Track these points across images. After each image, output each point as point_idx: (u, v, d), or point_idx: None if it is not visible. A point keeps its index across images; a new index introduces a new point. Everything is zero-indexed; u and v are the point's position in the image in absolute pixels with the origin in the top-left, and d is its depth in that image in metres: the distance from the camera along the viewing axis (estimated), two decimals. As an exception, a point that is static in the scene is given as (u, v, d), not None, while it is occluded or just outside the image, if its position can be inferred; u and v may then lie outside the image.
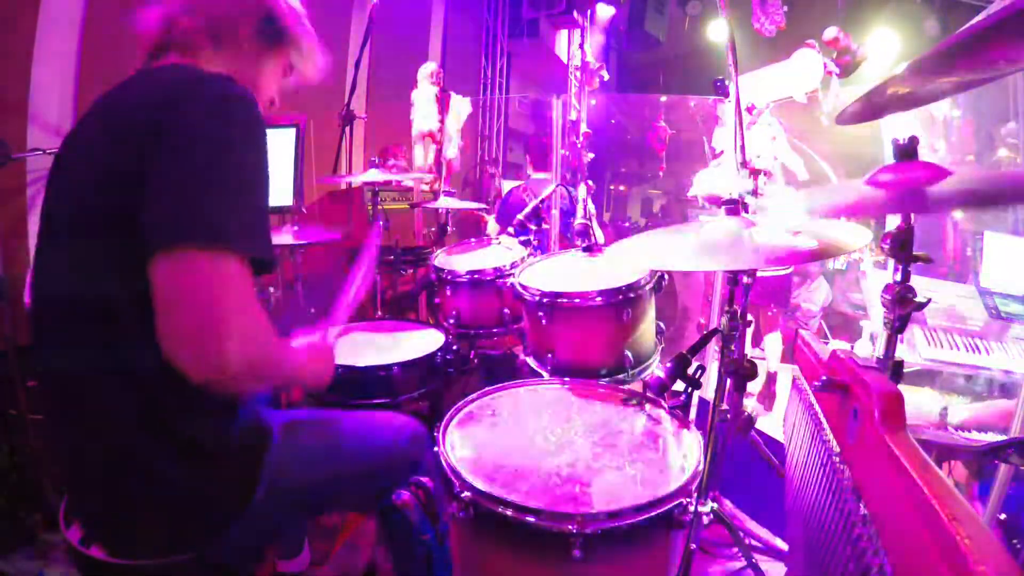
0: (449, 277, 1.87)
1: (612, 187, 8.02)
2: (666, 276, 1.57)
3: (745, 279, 1.28)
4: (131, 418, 0.81)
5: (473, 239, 2.29)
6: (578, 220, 1.80)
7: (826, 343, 0.90)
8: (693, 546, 1.09)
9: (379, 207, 2.32)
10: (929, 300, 0.94)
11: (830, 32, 2.38)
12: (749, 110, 2.29)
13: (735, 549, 1.54)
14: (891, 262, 0.94)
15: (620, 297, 1.44)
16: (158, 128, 0.75)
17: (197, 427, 0.84)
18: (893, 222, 0.93)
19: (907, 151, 0.91)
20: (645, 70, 6.38)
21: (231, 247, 0.73)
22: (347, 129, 2.57)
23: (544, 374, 1.52)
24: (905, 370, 0.99)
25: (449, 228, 2.60)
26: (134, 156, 0.74)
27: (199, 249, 0.71)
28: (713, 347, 1.93)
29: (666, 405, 1.22)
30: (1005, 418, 1.49)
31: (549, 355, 1.51)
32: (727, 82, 2.25)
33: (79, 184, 0.82)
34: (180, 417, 0.83)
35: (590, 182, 2.04)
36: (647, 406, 1.25)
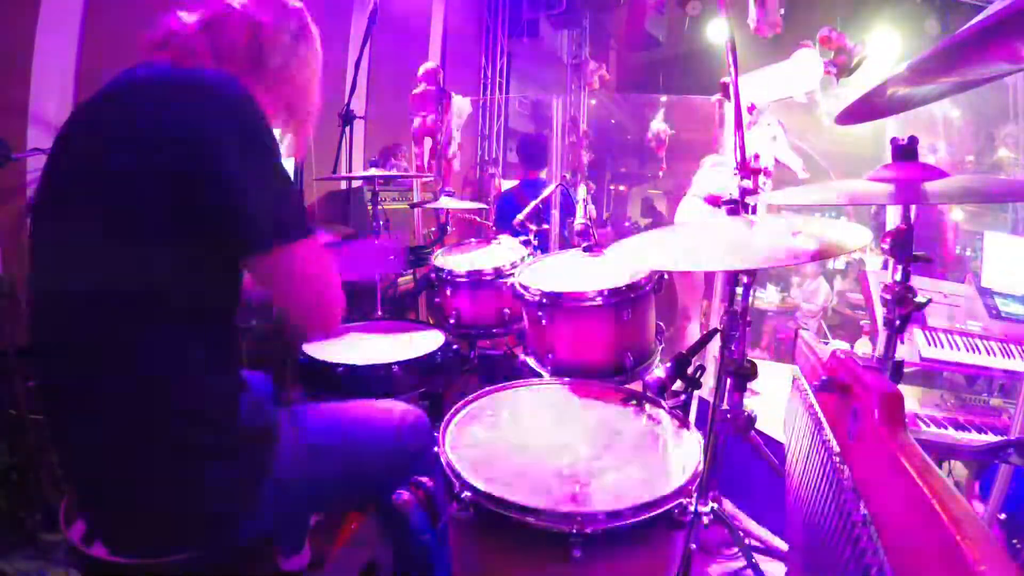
0: (449, 277, 1.87)
1: (612, 187, 8.03)
2: (666, 276, 1.57)
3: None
4: (136, 414, 0.81)
5: (473, 239, 2.29)
6: (578, 220, 1.79)
7: (826, 343, 0.90)
8: (693, 546, 1.09)
9: (379, 207, 2.32)
10: (930, 300, 0.94)
11: (822, 31, 2.39)
12: (749, 110, 2.29)
13: (735, 549, 1.54)
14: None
15: (620, 297, 1.44)
16: (210, 138, 0.79)
17: (203, 423, 0.85)
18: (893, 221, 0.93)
19: (907, 151, 0.91)
20: (645, 70, 6.37)
21: (312, 232, 0.89)
22: (347, 129, 2.56)
23: (544, 374, 1.52)
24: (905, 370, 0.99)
25: (449, 228, 2.59)
26: (179, 160, 0.78)
27: (299, 242, 0.87)
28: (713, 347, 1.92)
29: (666, 405, 1.22)
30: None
31: (549, 355, 1.51)
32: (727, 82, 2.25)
33: (93, 182, 0.81)
34: (186, 413, 0.83)
35: (591, 183, 2.03)
36: (647, 406, 1.25)
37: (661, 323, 1.63)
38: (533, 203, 2.08)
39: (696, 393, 1.26)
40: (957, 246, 3.24)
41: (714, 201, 2.43)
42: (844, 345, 2.85)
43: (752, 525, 1.80)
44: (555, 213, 3.67)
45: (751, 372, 1.30)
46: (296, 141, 1.09)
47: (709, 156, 2.80)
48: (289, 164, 2.58)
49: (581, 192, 1.83)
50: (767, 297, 4.87)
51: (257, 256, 0.85)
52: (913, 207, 0.95)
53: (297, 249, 0.87)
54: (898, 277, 0.95)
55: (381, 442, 1.10)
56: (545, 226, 2.14)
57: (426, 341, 1.73)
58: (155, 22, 0.93)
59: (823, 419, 0.84)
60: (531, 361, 1.60)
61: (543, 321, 1.50)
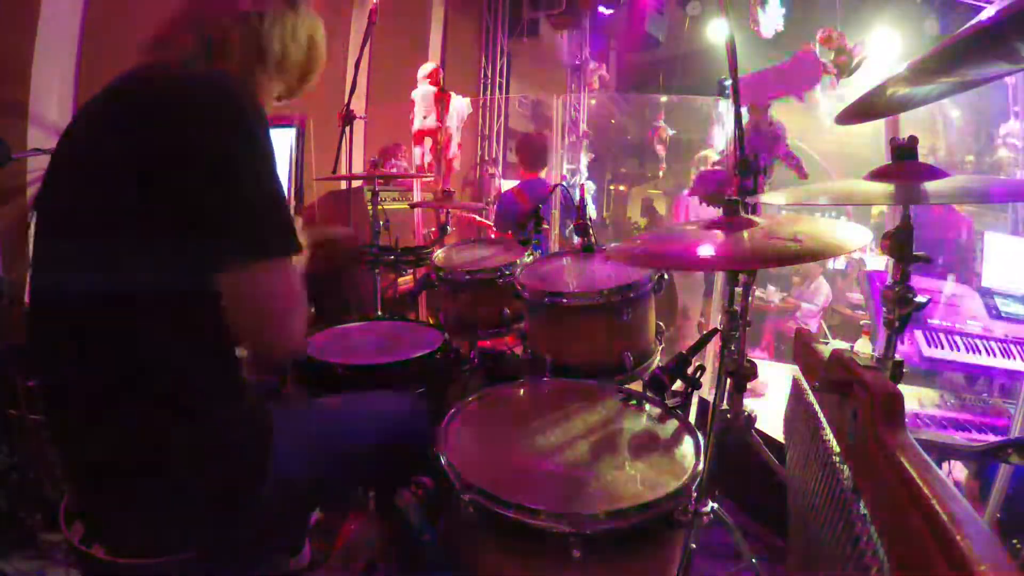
0: (449, 277, 1.87)
1: (612, 187, 8.03)
2: (666, 276, 1.57)
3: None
4: (134, 414, 0.81)
5: (473, 239, 2.29)
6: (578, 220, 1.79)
7: (826, 343, 0.89)
8: (693, 546, 1.09)
9: (379, 207, 2.32)
10: (929, 300, 0.94)
11: (822, 31, 2.38)
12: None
13: (735, 549, 1.54)
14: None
15: (620, 297, 1.44)
16: (195, 145, 0.78)
17: (202, 422, 0.85)
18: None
19: (907, 151, 0.91)
20: (645, 70, 6.37)
21: (290, 253, 0.85)
22: (347, 129, 2.57)
23: (544, 374, 1.52)
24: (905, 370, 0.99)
25: (449, 228, 2.59)
26: (172, 160, 0.78)
27: (271, 260, 0.83)
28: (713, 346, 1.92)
29: (666, 405, 1.22)
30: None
31: (549, 355, 1.51)
32: (726, 82, 2.25)
33: (90, 185, 0.82)
34: (184, 412, 0.83)
35: (590, 183, 2.04)
36: (647, 406, 1.25)
37: (661, 323, 1.63)
38: (534, 206, 2.07)
39: (696, 393, 1.26)
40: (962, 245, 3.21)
41: (706, 193, 2.42)
42: (844, 345, 2.85)
43: (752, 525, 1.80)
44: (555, 213, 3.66)
45: (751, 372, 1.30)
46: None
47: (707, 151, 2.79)
48: (289, 163, 2.57)
49: (577, 194, 1.83)
50: (767, 297, 4.87)
51: (233, 268, 0.81)
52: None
53: (273, 267, 0.83)
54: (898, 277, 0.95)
55: (380, 441, 1.10)
56: (545, 226, 2.14)
57: (426, 341, 1.73)
58: (154, 24, 0.93)
59: (823, 419, 0.84)
60: (531, 361, 1.60)
61: (543, 321, 1.50)
